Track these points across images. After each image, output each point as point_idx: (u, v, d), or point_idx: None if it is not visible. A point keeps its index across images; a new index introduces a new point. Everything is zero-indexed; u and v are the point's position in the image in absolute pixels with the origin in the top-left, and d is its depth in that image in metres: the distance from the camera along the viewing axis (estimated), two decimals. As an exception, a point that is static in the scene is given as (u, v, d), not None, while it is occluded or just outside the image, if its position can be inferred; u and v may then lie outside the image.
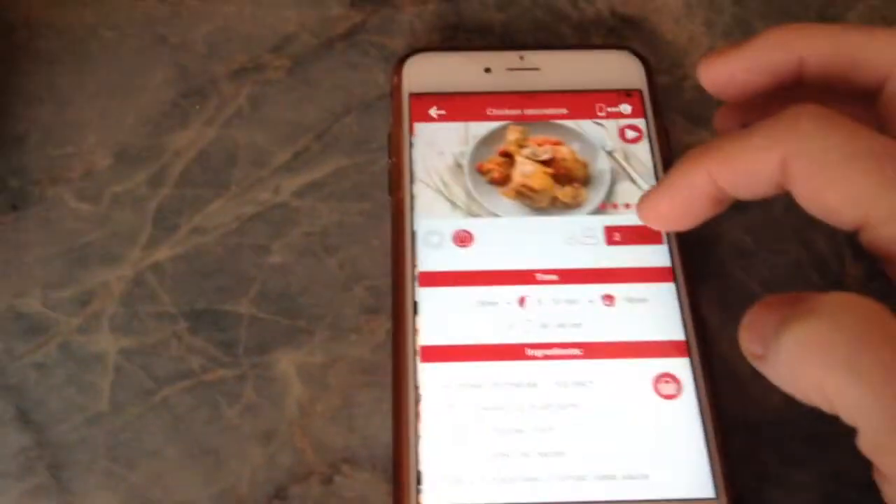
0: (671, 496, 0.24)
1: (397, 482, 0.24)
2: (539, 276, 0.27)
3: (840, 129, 0.20)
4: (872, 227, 0.20)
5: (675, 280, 0.27)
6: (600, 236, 0.28)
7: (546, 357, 0.26)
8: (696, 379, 0.26)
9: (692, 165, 0.22)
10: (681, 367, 0.26)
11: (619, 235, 0.28)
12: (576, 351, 0.26)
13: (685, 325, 0.27)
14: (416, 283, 0.27)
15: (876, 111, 0.23)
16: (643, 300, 0.27)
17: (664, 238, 0.28)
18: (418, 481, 0.24)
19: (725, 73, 0.24)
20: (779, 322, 0.19)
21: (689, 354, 0.26)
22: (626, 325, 0.27)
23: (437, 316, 0.27)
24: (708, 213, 0.23)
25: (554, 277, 0.27)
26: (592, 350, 0.26)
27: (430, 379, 0.26)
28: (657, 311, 0.27)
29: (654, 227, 0.26)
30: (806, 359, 0.18)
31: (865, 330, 0.18)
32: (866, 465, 0.25)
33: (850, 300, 0.18)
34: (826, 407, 0.19)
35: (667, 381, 0.26)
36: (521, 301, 0.27)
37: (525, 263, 0.28)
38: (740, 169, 0.21)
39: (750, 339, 0.21)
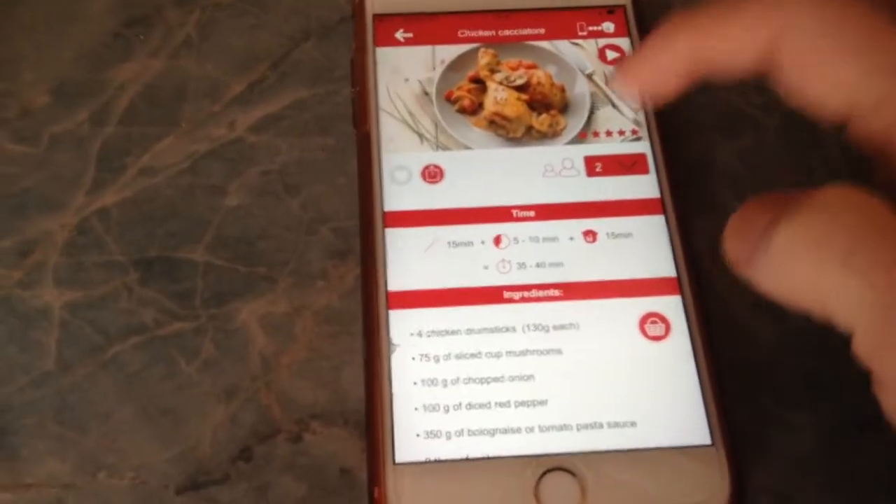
0: (662, 444, 0.23)
1: (371, 438, 0.23)
2: (515, 213, 0.26)
3: (830, 9, 0.19)
4: (860, 118, 0.19)
5: (663, 212, 0.26)
6: (580, 167, 0.26)
7: (524, 300, 0.24)
8: (687, 318, 0.24)
9: (675, 31, 0.21)
10: (671, 306, 0.24)
11: (600, 166, 0.26)
12: (556, 292, 0.24)
13: (675, 261, 0.25)
14: (386, 224, 0.25)
15: None
16: (628, 235, 0.25)
17: (650, 167, 0.26)
18: (393, 436, 0.23)
19: None
20: (770, 219, 0.18)
21: (680, 292, 0.24)
22: (610, 263, 0.25)
23: (409, 259, 0.25)
24: (682, 85, 0.22)
25: (531, 214, 0.26)
26: (574, 291, 0.24)
27: (404, 327, 0.24)
28: (643, 247, 0.25)
29: (630, 92, 0.24)
30: (799, 256, 0.17)
31: (864, 223, 0.17)
32: (867, 404, 0.24)
33: (847, 193, 0.17)
34: (819, 309, 0.17)
35: (654, 322, 0.24)
36: (497, 240, 0.25)
37: (500, 199, 0.26)
38: (725, 42, 0.20)
39: (736, 242, 0.19)
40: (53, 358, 0.25)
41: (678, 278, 0.25)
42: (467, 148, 0.27)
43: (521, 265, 0.25)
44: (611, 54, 0.28)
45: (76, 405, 0.24)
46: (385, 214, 0.25)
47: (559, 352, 0.24)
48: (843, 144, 0.25)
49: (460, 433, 0.23)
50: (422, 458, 0.22)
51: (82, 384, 0.25)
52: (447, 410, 0.23)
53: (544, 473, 0.22)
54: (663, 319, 0.24)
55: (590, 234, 0.25)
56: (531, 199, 0.26)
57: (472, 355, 0.24)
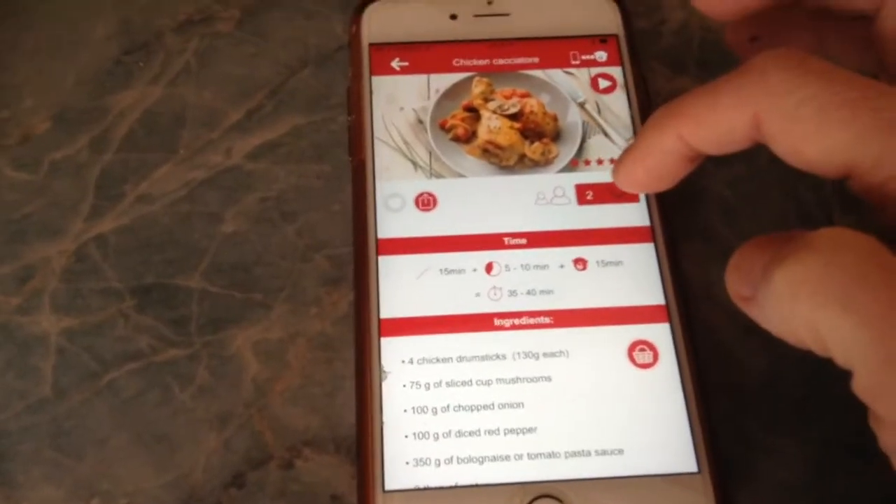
0: (650, 472, 0.23)
1: (361, 465, 0.23)
2: (507, 241, 0.26)
3: (812, 77, 0.19)
4: (859, 176, 0.19)
5: (653, 240, 0.26)
6: (571, 195, 0.26)
7: (514, 327, 0.25)
8: (676, 345, 0.24)
9: (661, 128, 0.21)
10: (659, 334, 0.25)
11: (591, 194, 0.26)
12: (546, 319, 0.25)
13: (664, 288, 0.25)
14: (379, 252, 0.25)
15: (873, 32, 0.22)
16: (618, 263, 0.26)
17: (641, 196, 0.26)
18: (383, 463, 0.23)
19: None
20: (769, 260, 0.18)
21: (669, 320, 0.25)
22: (600, 290, 0.25)
23: (402, 287, 0.25)
24: (684, 171, 0.22)
25: (522, 241, 0.26)
26: (564, 318, 0.25)
27: (395, 354, 0.24)
28: (633, 274, 0.25)
29: (633, 192, 0.26)
30: (798, 296, 0.17)
31: (861, 265, 0.17)
32: (855, 431, 0.24)
33: (844, 235, 0.17)
34: (819, 349, 0.17)
35: (643, 350, 0.24)
36: (489, 268, 0.25)
37: (492, 227, 0.26)
38: (711, 129, 0.20)
39: (738, 281, 0.20)
40: (50, 384, 0.25)
41: (667, 306, 0.25)
42: (461, 176, 0.27)
43: (513, 292, 0.25)
44: (603, 83, 0.29)
45: (72, 431, 0.25)
46: (378, 241, 0.26)
47: (549, 379, 0.24)
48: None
49: (449, 461, 0.23)
50: (411, 486, 0.23)
51: (78, 410, 0.25)
52: (437, 438, 0.23)
53: (532, 501, 0.22)
54: (651, 347, 0.24)
55: (580, 262, 0.26)
56: (523, 227, 0.26)
57: (463, 382, 0.24)
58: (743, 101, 0.20)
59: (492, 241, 0.26)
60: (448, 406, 0.24)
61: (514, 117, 0.28)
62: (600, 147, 0.27)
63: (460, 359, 0.24)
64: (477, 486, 0.23)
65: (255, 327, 0.26)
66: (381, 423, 0.23)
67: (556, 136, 0.28)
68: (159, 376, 0.25)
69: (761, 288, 0.18)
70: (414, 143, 0.27)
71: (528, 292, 0.25)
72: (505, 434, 0.23)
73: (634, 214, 0.26)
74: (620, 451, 0.23)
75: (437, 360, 0.24)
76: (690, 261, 0.27)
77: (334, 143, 0.29)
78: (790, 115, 0.19)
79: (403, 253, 0.26)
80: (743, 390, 0.25)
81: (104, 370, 0.25)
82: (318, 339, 0.26)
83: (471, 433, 0.23)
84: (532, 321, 0.25)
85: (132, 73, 0.30)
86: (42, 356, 0.26)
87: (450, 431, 0.23)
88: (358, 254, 0.26)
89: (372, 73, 0.29)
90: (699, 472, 0.23)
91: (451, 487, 0.22)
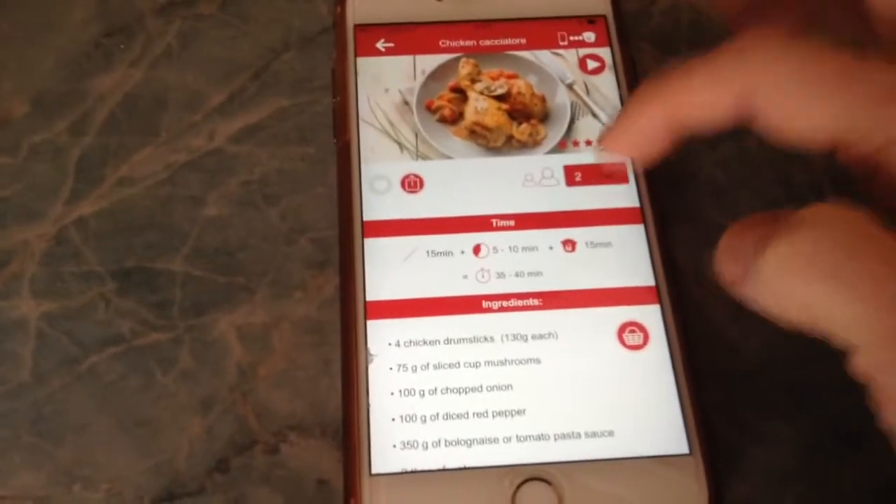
0: (640, 453, 0.22)
1: (347, 449, 0.22)
2: (495, 223, 0.25)
3: (797, 52, 0.19)
4: (847, 147, 0.19)
5: (643, 221, 0.25)
6: (560, 177, 0.26)
7: (502, 309, 0.24)
8: (666, 327, 0.24)
9: (647, 102, 0.21)
10: (649, 315, 0.24)
11: (580, 175, 0.26)
12: (535, 301, 0.24)
13: (654, 270, 0.25)
14: (365, 234, 0.25)
15: (864, 6, 0.21)
16: (607, 244, 0.25)
17: (630, 177, 0.26)
18: (370, 447, 0.22)
19: None
20: (759, 239, 0.18)
21: (659, 301, 0.24)
22: (589, 272, 0.25)
23: (388, 269, 0.25)
24: (668, 146, 0.22)
25: (510, 223, 0.25)
26: (553, 300, 0.24)
27: (382, 337, 0.24)
28: (622, 256, 0.25)
29: (614, 160, 0.26)
30: (790, 274, 0.17)
31: (852, 239, 0.17)
32: (848, 415, 0.24)
33: (834, 210, 0.17)
34: (813, 328, 0.17)
35: (633, 331, 0.24)
36: (476, 250, 0.25)
37: (479, 209, 0.26)
38: (696, 105, 0.20)
39: (728, 262, 0.19)
40: (29, 369, 0.25)
41: (657, 287, 0.25)
42: (447, 157, 0.27)
43: (501, 274, 0.25)
44: (591, 64, 0.28)
45: (52, 417, 0.24)
46: (364, 224, 0.25)
47: (538, 361, 0.24)
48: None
49: (437, 444, 0.22)
50: (398, 469, 0.22)
51: (58, 395, 0.25)
52: (424, 421, 0.23)
53: (522, 483, 0.22)
54: (642, 328, 0.24)
55: (569, 244, 0.25)
56: (511, 209, 0.26)
57: (451, 365, 0.24)
58: (728, 77, 0.19)
59: (479, 224, 0.25)
60: (435, 389, 0.23)
61: (501, 98, 0.27)
62: (589, 128, 0.27)
63: (448, 341, 0.24)
64: (465, 468, 0.22)
65: (238, 311, 0.26)
66: (368, 406, 0.23)
67: (544, 118, 0.27)
68: (141, 361, 0.25)
69: (753, 268, 0.18)
70: (400, 124, 0.27)
71: (517, 274, 0.25)
72: (493, 416, 0.23)
73: (624, 196, 0.26)
74: (611, 433, 0.23)
75: (424, 343, 0.24)
76: (680, 243, 0.26)
77: (318, 125, 0.29)
78: (776, 90, 0.19)
79: (390, 235, 0.25)
80: (734, 374, 0.25)
81: (85, 355, 0.25)
82: (303, 324, 0.26)
83: (459, 416, 0.23)
84: (520, 303, 0.24)
85: (112, 56, 0.30)
86: (21, 341, 0.25)
87: (437, 414, 0.23)
88: (343, 236, 0.25)
89: (357, 54, 0.28)
90: (690, 453, 0.22)
91: (439, 471, 0.22)
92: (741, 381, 0.25)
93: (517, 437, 0.23)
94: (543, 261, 0.25)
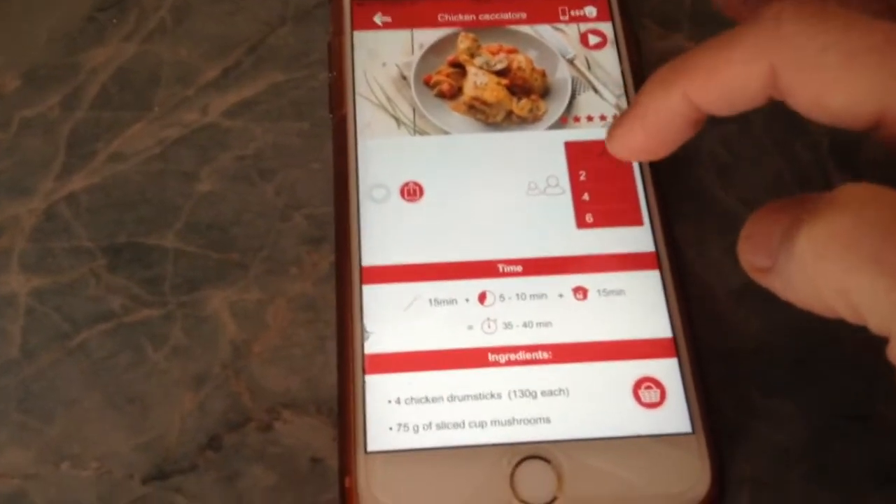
0: (641, 432, 0.22)
1: (342, 426, 0.22)
2: (501, 268, 0.24)
3: (832, 24, 0.18)
4: (891, 124, 0.18)
5: (658, 267, 0.24)
6: (565, 185, 0.25)
7: (510, 363, 0.23)
8: (667, 299, 0.24)
9: (665, 87, 0.20)
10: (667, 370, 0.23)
11: (591, 217, 0.25)
12: (544, 354, 0.23)
13: (671, 320, 0.24)
14: (361, 213, 0.25)
15: None
16: (620, 292, 0.24)
17: (644, 219, 0.25)
18: (365, 425, 0.22)
19: None
20: (790, 224, 0.17)
21: (677, 354, 0.23)
22: (602, 322, 0.24)
23: (384, 241, 0.24)
24: (686, 136, 0.21)
25: (518, 269, 0.24)
26: (564, 353, 0.23)
27: (379, 310, 0.23)
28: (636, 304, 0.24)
29: (627, 160, 0.24)
30: (826, 260, 0.16)
31: (889, 221, 0.15)
32: (853, 394, 0.24)
33: (870, 189, 0.16)
34: (850, 315, 0.16)
35: (649, 388, 0.23)
36: (482, 297, 0.24)
37: (483, 243, 0.25)
38: (723, 86, 0.19)
39: (752, 250, 0.19)
40: (18, 345, 0.24)
41: (656, 252, 0.24)
42: (445, 133, 0.26)
43: (508, 325, 0.24)
44: (593, 39, 0.28)
45: (41, 393, 0.24)
46: (360, 197, 0.25)
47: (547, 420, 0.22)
48: (830, 131, 0.25)
49: (436, 421, 0.22)
50: (394, 447, 0.22)
51: (47, 372, 0.24)
52: (421, 399, 0.22)
53: (520, 461, 0.21)
54: (658, 384, 0.23)
55: (580, 291, 0.24)
56: (519, 249, 0.24)
57: (449, 336, 0.23)
58: (758, 53, 0.18)
59: (485, 269, 0.24)
60: (433, 364, 0.23)
61: (501, 73, 0.27)
62: (590, 103, 0.27)
63: (446, 305, 0.23)
64: (463, 447, 0.22)
65: (232, 287, 0.25)
66: (364, 383, 0.22)
67: (545, 93, 0.27)
68: (132, 337, 0.24)
69: (782, 254, 0.17)
70: (397, 99, 0.27)
71: (525, 325, 0.23)
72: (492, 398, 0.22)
73: (638, 239, 0.25)
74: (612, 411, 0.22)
75: (428, 307, 0.23)
76: (683, 220, 0.26)
77: (314, 100, 0.28)
78: (812, 63, 0.18)
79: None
80: (738, 352, 0.25)
81: (75, 331, 0.24)
82: (298, 300, 0.25)
83: (455, 396, 0.22)
84: (529, 356, 0.23)
85: (105, 30, 0.29)
86: (10, 317, 0.25)
87: (434, 392, 0.22)
88: (340, 211, 0.25)
89: (354, 28, 0.28)
90: (693, 432, 0.22)
91: (436, 449, 0.22)
92: (745, 358, 0.25)
93: (515, 418, 0.22)
94: (554, 309, 0.24)
